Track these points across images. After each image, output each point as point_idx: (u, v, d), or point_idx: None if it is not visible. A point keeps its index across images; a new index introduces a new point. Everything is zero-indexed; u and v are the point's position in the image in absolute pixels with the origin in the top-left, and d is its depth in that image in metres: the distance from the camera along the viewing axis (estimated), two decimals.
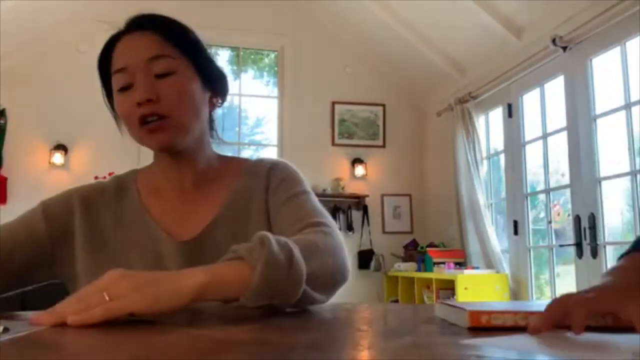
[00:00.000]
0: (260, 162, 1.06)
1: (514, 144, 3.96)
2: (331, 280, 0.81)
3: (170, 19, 0.98)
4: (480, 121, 4.34)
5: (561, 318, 0.53)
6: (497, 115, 4.24)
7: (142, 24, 0.96)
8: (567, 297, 0.56)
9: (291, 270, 0.71)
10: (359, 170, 4.95)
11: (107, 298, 0.60)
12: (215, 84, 1.01)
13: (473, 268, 3.97)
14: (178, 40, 0.95)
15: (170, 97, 0.92)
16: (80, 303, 0.61)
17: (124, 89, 0.93)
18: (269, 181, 1.01)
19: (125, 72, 0.92)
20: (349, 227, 4.85)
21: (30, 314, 0.68)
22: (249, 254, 0.69)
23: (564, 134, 3.40)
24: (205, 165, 1.02)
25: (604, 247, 3.09)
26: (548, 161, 3.67)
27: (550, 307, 0.55)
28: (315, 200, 0.99)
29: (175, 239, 0.95)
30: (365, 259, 4.78)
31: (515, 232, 3.87)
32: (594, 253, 3.10)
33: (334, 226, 0.91)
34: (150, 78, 0.92)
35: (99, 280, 0.63)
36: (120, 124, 0.99)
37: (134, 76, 0.92)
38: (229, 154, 1.15)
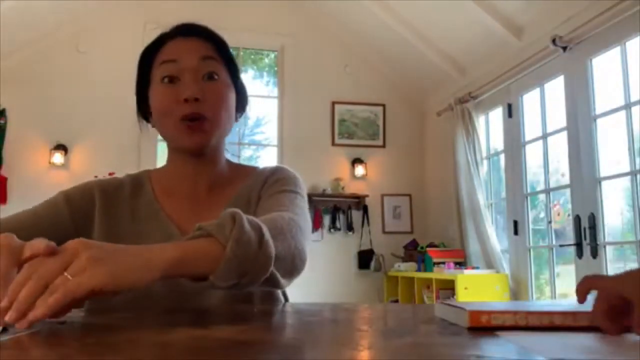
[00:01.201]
0: (265, 168, 1.10)
1: (514, 144, 3.96)
2: (292, 264, 0.79)
3: (213, 31, 1.03)
4: (480, 121, 4.34)
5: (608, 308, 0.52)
6: (497, 115, 4.24)
7: (191, 30, 1.01)
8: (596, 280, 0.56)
9: (261, 249, 0.69)
10: (359, 170, 4.95)
11: (68, 276, 0.55)
12: (240, 98, 1.06)
13: (473, 268, 3.97)
14: (222, 50, 1.01)
15: (214, 100, 0.95)
16: (39, 282, 0.55)
17: (170, 81, 0.96)
18: (266, 181, 1.04)
19: (175, 64, 0.96)
20: (349, 227, 4.85)
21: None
22: (219, 230, 0.68)
23: (564, 134, 3.40)
24: (219, 170, 1.05)
25: (604, 247, 3.08)
26: (548, 161, 3.67)
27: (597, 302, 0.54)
28: (301, 202, 0.98)
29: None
30: (365, 259, 4.78)
31: (515, 232, 3.87)
32: (594, 253, 3.10)
33: (302, 219, 0.88)
34: (199, 78, 0.96)
35: (59, 253, 0.58)
36: (144, 120, 1.04)
37: (183, 72, 0.96)
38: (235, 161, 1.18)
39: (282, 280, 0.77)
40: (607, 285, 0.54)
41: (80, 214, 0.99)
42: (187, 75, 0.95)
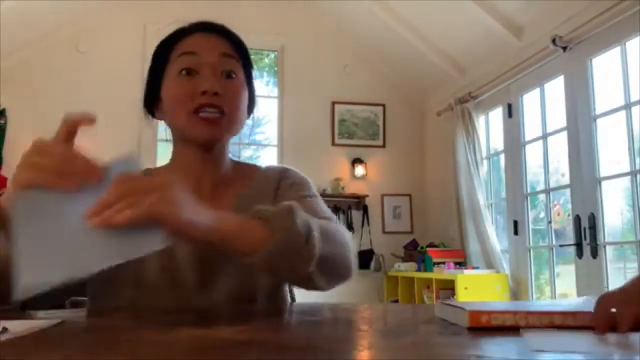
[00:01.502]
0: (270, 168, 1.09)
1: (514, 144, 3.96)
2: (336, 270, 0.83)
3: (232, 30, 1.04)
4: (480, 121, 4.34)
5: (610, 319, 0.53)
6: (497, 115, 4.24)
7: (211, 27, 1.01)
8: (609, 298, 0.56)
9: (307, 245, 0.74)
10: (359, 170, 4.95)
11: (149, 199, 0.61)
12: (251, 99, 1.06)
13: (473, 268, 3.97)
14: (240, 50, 1.01)
15: (232, 96, 0.96)
16: (133, 197, 0.61)
17: (188, 73, 0.95)
18: (279, 185, 1.04)
19: (195, 57, 0.96)
20: (349, 227, 4.85)
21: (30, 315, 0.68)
22: (274, 217, 0.73)
23: (564, 134, 3.40)
24: (224, 169, 1.04)
25: (604, 247, 3.08)
26: (548, 161, 3.67)
27: (597, 309, 0.55)
28: (324, 204, 1.02)
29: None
30: (365, 259, 4.78)
31: (515, 232, 3.87)
32: (594, 253, 3.10)
33: (346, 230, 0.94)
34: (218, 74, 0.95)
35: (155, 177, 0.66)
36: (149, 114, 1.02)
37: (202, 66, 0.95)
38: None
39: (322, 282, 0.80)
40: (621, 300, 0.54)
41: None
42: (206, 69, 0.95)
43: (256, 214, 0.74)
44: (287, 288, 1.03)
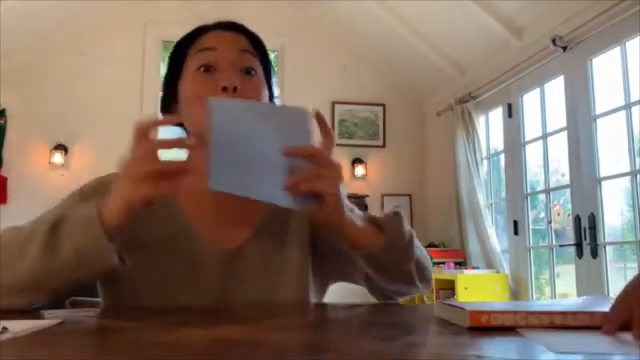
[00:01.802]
0: None
1: (514, 144, 3.96)
2: (426, 271, 0.94)
3: (251, 29, 1.03)
4: (480, 121, 4.34)
5: (627, 319, 0.53)
6: (497, 115, 4.24)
7: (230, 25, 1.00)
8: (630, 297, 0.56)
9: (409, 246, 0.88)
10: (359, 170, 4.95)
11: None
12: (270, 99, 1.04)
13: (473, 268, 3.97)
14: (261, 50, 1.00)
15: (252, 93, 0.93)
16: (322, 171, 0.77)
17: (206, 70, 0.93)
18: None
19: (213, 53, 0.93)
20: None
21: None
22: (387, 221, 0.88)
23: (564, 134, 3.39)
24: None
25: (604, 247, 3.08)
26: (548, 161, 3.67)
27: (615, 307, 0.55)
28: None
29: (215, 247, 0.92)
30: None
31: (515, 232, 3.87)
32: (594, 253, 3.10)
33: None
34: (237, 70, 0.93)
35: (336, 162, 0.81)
36: (174, 108, 0.98)
37: (221, 62, 0.93)
38: None
39: (418, 282, 0.92)
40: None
41: None
42: (225, 66, 0.92)
43: (371, 218, 0.89)
44: (310, 301, 0.98)
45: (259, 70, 0.98)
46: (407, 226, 0.89)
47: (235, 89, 0.89)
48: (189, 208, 0.95)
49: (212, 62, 0.93)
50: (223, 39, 0.96)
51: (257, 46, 1.00)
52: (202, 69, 0.93)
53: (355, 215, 0.85)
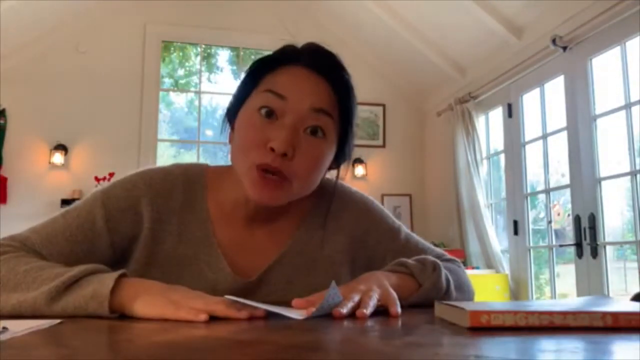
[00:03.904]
0: (333, 206, 0.98)
1: (514, 144, 3.96)
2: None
3: (346, 72, 0.91)
4: (480, 121, 4.34)
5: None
6: (497, 115, 4.24)
7: (318, 62, 0.89)
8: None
9: (445, 296, 0.88)
10: (359, 170, 4.95)
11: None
12: (340, 159, 0.93)
13: (473, 268, 3.97)
14: (345, 104, 0.88)
15: (307, 160, 0.83)
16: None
17: (267, 114, 0.84)
18: (364, 240, 0.99)
19: (281, 102, 0.83)
20: None
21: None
22: (420, 273, 0.86)
23: (564, 134, 3.40)
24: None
25: (604, 247, 3.09)
26: (548, 161, 3.67)
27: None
28: (414, 235, 1.06)
29: (239, 277, 0.90)
30: None
31: (515, 232, 3.87)
32: (594, 253, 3.10)
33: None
34: (300, 129, 0.83)
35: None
36: (227, 133, 0.92)
37: (286, 113, 0.83)
38: None
39: None
40: None
41: (123, 241, 0.88)
42: (289, 121, 0.82)
43: (401, 266, 0.87)
44: None
45: (331, 130, 0.86)
46: (443, 277, 0.87)
47: (285, 154, 0.81)
48: (222, 233, 0.92)
49: (277, 110, 0.84)
50: (300, 85, 0.85)
51: (341, 99, 0.87)
52: (263, 111, 0.84)
53: (391, 281, 0.80)
